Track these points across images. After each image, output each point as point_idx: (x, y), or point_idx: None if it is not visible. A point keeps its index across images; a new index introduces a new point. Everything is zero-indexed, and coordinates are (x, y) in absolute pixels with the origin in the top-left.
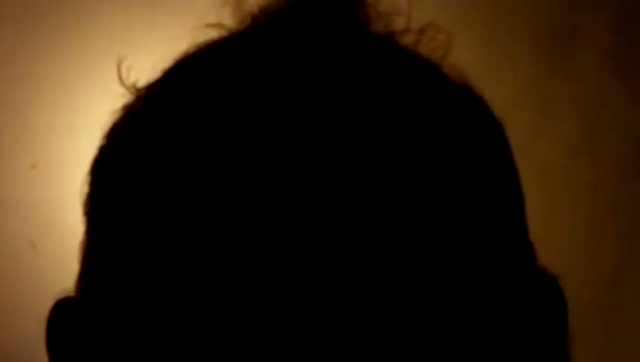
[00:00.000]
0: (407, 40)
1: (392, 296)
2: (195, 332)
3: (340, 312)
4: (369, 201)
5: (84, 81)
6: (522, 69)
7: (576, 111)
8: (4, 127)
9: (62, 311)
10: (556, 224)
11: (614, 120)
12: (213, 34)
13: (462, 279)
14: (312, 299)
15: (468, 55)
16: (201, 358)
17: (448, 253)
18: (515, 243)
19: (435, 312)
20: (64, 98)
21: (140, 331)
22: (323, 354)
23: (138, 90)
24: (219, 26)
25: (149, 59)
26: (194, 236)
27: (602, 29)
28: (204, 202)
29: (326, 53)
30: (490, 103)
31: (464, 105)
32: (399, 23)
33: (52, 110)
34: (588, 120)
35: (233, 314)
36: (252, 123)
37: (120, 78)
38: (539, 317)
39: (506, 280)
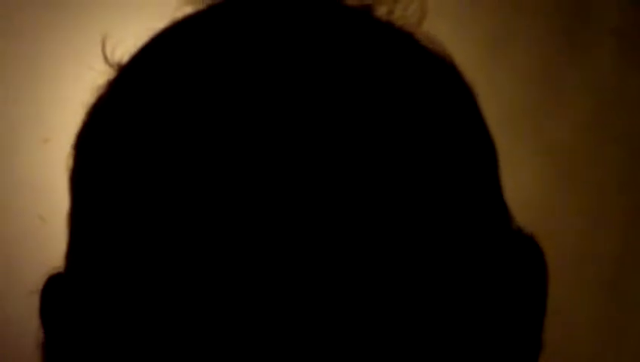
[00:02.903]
0: (381, 10)
1: (375, 270)
2: (174, 312)
3: (328, 299)
4: (347, 177)
5: (97, 55)
6: (531, 49)
7: (586, 92)
8: (16, 102)
9: (52, 287)
10: (563, 204)
11: (624, 101)
12: (192, 8)
13: (437, 244)
14: (294, 291)
15: (477, 34)
16: (181, 336)
17: (422, 219)
18: (489, 205)
19: (415, 283)
20: (77, 73)
21: (122, 307)
22: (311, 347)
23: (122, 67)
24: (195, 1)
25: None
26: (170, 213)
27: (614, 9)
28: (180, 179)
29: (296, 27)
30: (499, 83)
31: (435, 74)
32: None
33: (64, 85)
34: (597, 101)
35: (214, 294)
36: (226, 102)
37: (104, 55)
38: (519, 275)
39: (481, 241)
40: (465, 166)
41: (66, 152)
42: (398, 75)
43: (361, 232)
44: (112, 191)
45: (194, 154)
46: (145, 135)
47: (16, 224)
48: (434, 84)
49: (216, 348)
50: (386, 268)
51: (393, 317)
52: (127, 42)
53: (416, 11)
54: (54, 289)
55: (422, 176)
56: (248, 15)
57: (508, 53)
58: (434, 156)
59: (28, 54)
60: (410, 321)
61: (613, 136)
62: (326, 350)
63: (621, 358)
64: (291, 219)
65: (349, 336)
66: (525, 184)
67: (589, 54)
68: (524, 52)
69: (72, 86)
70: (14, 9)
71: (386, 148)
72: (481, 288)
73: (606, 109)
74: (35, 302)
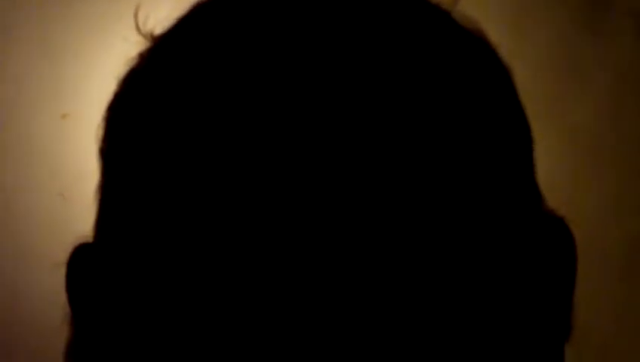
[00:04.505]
0: None
1: (399, 260)
2: (190, 295)
3: (343, 300)
4: (376, 165)
5: (118, 30)
6: (552, 32)
7: (606, 75)
8: (35, 77)
9: (79, 256)
10: (582, 187)
11: None
12: None
13: (468, 224)
14: (312, 291)
15: (497, 17)
16: (194, 320)
17: (453, 201)
18: (522, 187)
19: (441, 264)
20: (96, 48)
21: (149, 279)
22: (324, 349)
23: (154, 38)
24: None
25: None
26: (195, 189)
27: None
28: (207, 157)
29: (331, 9)
30: (513, 58)
31: (472, 52)
32: None
33: (83, 60)
34: (618, 83)
35: (233, 279)
36: (259, 78)
37: (137, 26)
38: (548, 256)
39: (512, 221)
40: (499, 146)
41: (84, 128)
42: (434, 54)
43: (389, 210)
44: (142, 163)
45: (223, 135)
46: (178, 110)
47: (37, 201)
48: (471, 63)
49: (227, 338)
50: (413, 246)
51: (422, 299)
52: (160, 13)
53: None
54: (81, 260)
55: (456, 154)
56: None
57: (528, 35)
58: (469, 135)
59: (47, 30)
60: (439, 304)
61: (634, 119)
62: (332, 346)
63: None
64: (310, 214)
65: (376, 320)
66: (546, 167)
67: (609, 37)
68: (544, 35)
69: (91, 61)
70: None
71: (420, 127)
72: (510, 269)
73: (628, 92)
74: (57, 278)
